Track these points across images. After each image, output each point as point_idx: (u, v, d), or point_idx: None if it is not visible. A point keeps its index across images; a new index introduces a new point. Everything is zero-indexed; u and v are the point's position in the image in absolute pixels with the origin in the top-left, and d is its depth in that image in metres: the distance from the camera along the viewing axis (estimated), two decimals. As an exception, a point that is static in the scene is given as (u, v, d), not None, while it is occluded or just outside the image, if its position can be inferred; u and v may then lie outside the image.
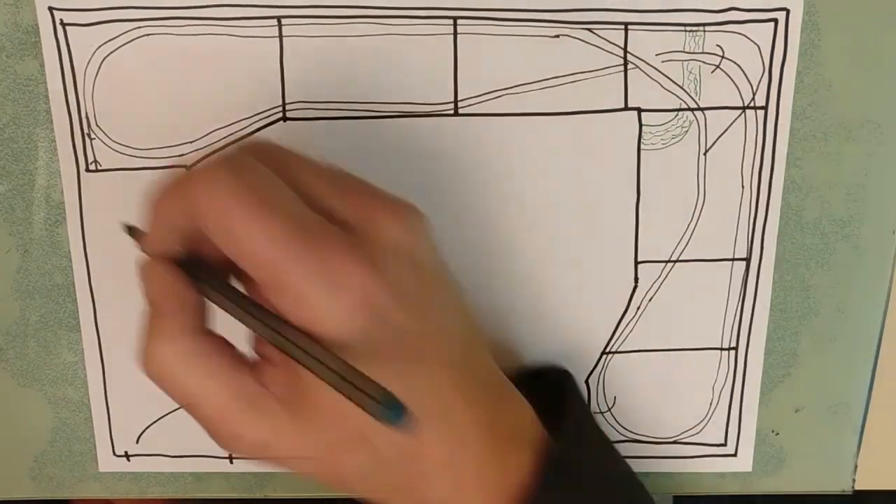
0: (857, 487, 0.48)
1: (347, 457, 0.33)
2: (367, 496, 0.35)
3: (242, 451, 0.34)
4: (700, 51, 0.41)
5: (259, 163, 0.32)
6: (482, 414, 0.35)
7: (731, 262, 0.45)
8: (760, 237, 0.44)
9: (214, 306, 0.34)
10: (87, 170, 0.43)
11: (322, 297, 0.31)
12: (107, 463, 0.48)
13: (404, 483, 0.34)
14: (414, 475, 0.34)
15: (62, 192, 0.43)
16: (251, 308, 0.32)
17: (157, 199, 0.33)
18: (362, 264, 0.31)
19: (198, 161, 0.35)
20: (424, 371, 0.33)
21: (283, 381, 0.33)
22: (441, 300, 0.35)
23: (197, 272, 0.33)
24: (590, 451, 0.39)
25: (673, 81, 0.42)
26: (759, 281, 0.45)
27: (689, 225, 0.44)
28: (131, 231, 0.36)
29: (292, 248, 0.30)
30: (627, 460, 0.47)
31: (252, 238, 0.30)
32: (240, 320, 0.32)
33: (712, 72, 0.42)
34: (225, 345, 0.34)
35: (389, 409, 0.28)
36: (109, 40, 0.41)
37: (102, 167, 0.43)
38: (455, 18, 0.41)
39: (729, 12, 0.41)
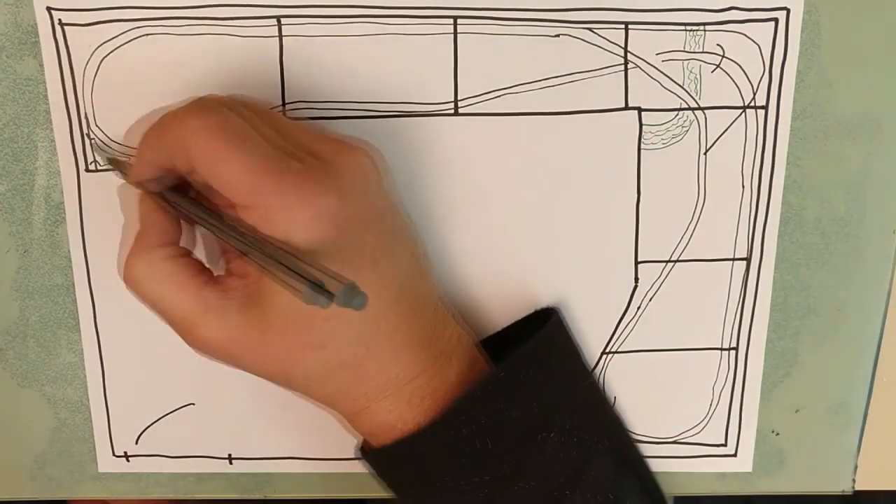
0: (857, 487, 0.48)
1: (300, 361, 0.37)
2: (313, 397, 0.40)
3: (208, 353, 0.38)
4: (700, 50, 0.41)
5: (236, 103, 0.38)
6: (420, 331, 0.39)
7: (731, 262, 0.45)
8: (760, 237, 0.44)
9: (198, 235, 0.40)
10: (87, 170, 0.43)
11: (288, 210, 0.35)
12: (106, 463, 0.48)
13: (347, 388, 0.39)
14: (355, 380, 0.38)
15: (62, 192, 0.43)
16: (223, 223, 0.37)
17: (145, 138, 0.38)
18: (325, 186, 0.36)
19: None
20: (377, 279, 0.37)
21: (246, 291, 0.38)
22: (395, 227, 0.39)
23: (179, 199, 0.39)
24: (526, 381, 0.41)
25: (673, 81, 0.42)
26: (759, 281, 0.45)
27: (689, 225, 0.44)
28: (113, 163, 0.42)
29: (264, 175, 0.35)
30: (627, 460, 0.47)
31: (232, 166, 0.35)
32: (213, 232, 0.38)
33: (713, 71, 0.42)
34: (194, 263, 0.39)
35: (346, 292, 0.32)
36: (108, 40, 0.41)
37: (102, 167, 0.43)
38: (455, 18, 0.41)
39: (729, 12, 0.41)
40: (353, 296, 0.32)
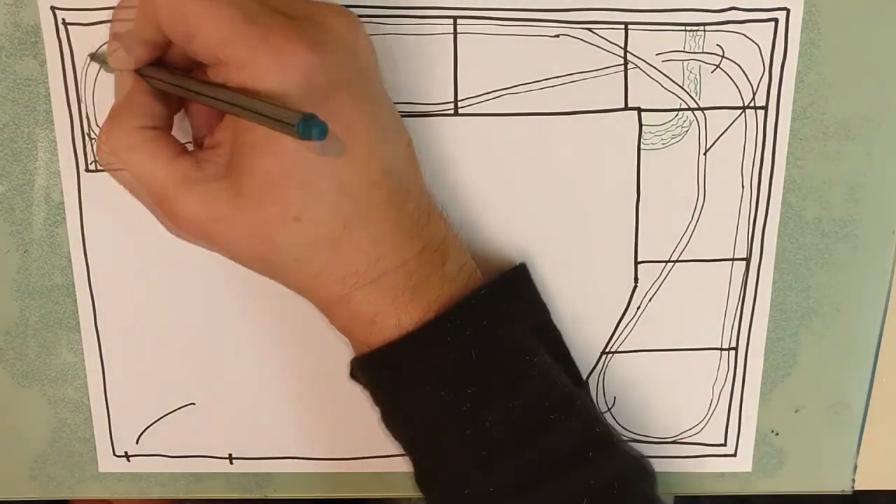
0: (856, 487, 0.48)
1: (275, 235, 0.36)
2: (291, 282, 0.38)
3: (187, 232, 0.37)
4: (700, 50, 0.41)
5: None
6: (403, 218, 0.37)
7: (731, 262, 0.45)
8: (760, 237, 0.44)
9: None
10: (87, 170, 0.43)
11: (262, 63, 0.34)
12: (107, 463, 0.48)
13: (323, 269, 0.37)
14: (332, 262, 0.37)
15: (62, 192, 0.43)
16: (198, 84, 0.36)
17: (116, 10, 0.37)
18: (302, 41, 0.34)
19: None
20: (353, 145, 0.36)
21: (219, 162, 0.36)
22: (375, 97, 0.37)
23: (154, 71, 0.38)
24: (513, 302, 0.40)
25: (673, 81, 0.42)
26: (759, 281, 0.45)
27: (689, 225, 0.44)
28: (94, 57, 0.41)
29: (238, 28, 0.34)
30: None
31: (201, 21, 0.34)
32: (188, 96, 0.37)
33: (712, 72, 0.42)
34: (168, 136, 0.38)
35: (307, 122, 0.31)
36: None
37: (103, 167, 0.43)
38: (455, 18, 0.41)
39: (729, 12, 0.41)
40: (312, 124, 0.31)
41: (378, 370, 0.40)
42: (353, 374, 0.42)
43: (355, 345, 0.40)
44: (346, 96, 0.35)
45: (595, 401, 0.46)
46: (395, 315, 0.38)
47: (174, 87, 0.37)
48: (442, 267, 0.38)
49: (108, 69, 0.41)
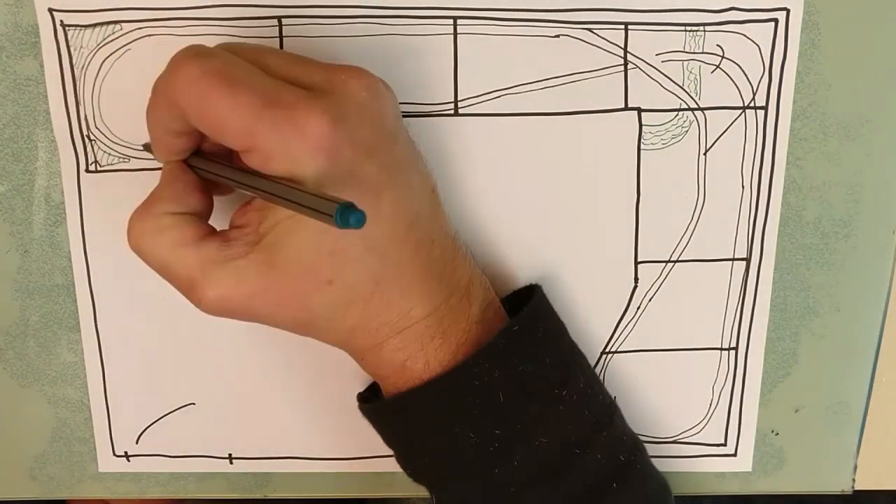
0: (857, 487, 0.48)
1: (309, 300, 0.37)
2: (327, 339, 0.39)
3: (220, 311, 0.37)
4: (700, 51, 0.41)
5: (221, 49, 0.36)
6: (431, 266, 0.38)
7: (731, 262, 0.45)
8: (760, 237, 0.44)
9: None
10: (87, 170, 0.43)
11: (284, 143, 0.34)
12: (107, 463, 0.48)
13: (357, 325, 0.38)
14: (365, 317, 0.38)
15: (62, 193, 0.43)
16: (235, 173, 0.37)
17: (147, 110, 0.37)
18: (321, 113, 0.34)
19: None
20: (382, 210, 0.36)
21: (247, 240, 0.37)
22: (400, 157, 0.37)
23: (198, 162, 0.38)
24: (539, 336, 0.41)
25: (673, 81, 0.42)
26: (759, 281, 0.45)
27: (689, 225, 0.44)
28: (146, 148, 0.41)
29: (258, 111, 0.34)
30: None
31: (222, 112, 0.34)
32: (229, 184, 0.37)
33: (712, 72, 0.42)
34: (196, 221, 0.38)
35: (344, 212, 0.31)
36: (110, 41, 0.41)
37: (102, 168, 0.43)
38: (455, 18, 0.41)
39: (729, 12, 0.41)
40: (349, 213, 0.31)
41: (404, 413, 0.40)
42: (366, 413, 0.43)
43: (386, 388, 0.41)
44: (372, 164, 0.36)
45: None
46: (424, 359, 0.39)
47: (214, 175, 0.38)
48: (469, 308, 0.39)
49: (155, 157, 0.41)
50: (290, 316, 0.37)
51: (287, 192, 0.34)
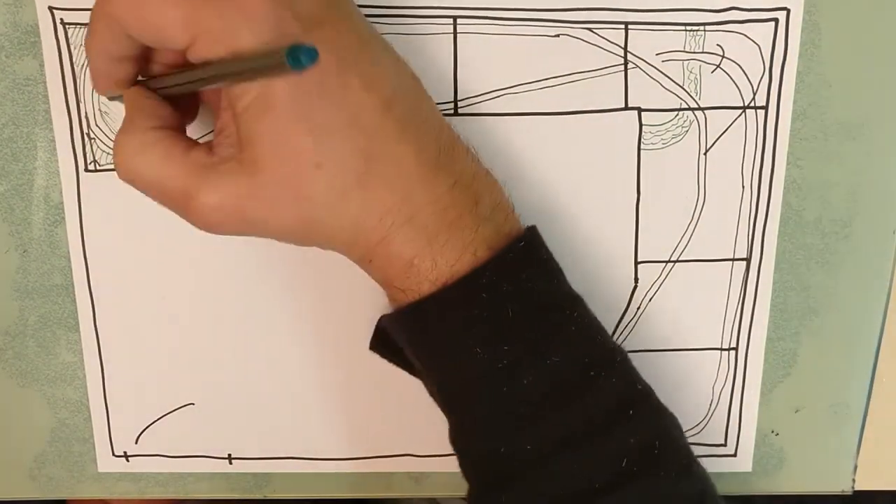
0: (857, 487, 0.48)
1: (308, 188, 0.35)
2: (336, 236, 0.37)
3: (218, 223, 0.36)
4: (700, 50, 0.41)
5: None
6: (427, 149, 0.37)
7: (731, 262, 0.45)
8: (760, 237, 0.44)
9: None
10: (87, 170, 0.43)
11: (224, 21, 0.33)
12: (106, 463, 0.48)
13: (359, 216, 0.36)
14: (365, 206, 0.36)
15: (61, 192, 0.43)
16: (187, 74, 0.36)
17: (87, 41, 0.36)
18: None
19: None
20: (350, 77, 0.35)
21: (229, 142, 0.36)
22: (360, 33, 0.36)
23: (153, 84, 0.38)
24: (546, 259, 0.39)
25: (673, 81, 0.42)
26: (759, 281, 0.45)
27: (689, 225, 0.44)
28: (112, 98, 0.41)
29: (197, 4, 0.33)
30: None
31: (163, 10, 0.34)
32: (184, 89, 0.37)
33: (712, 71, 0.42)
34: (178, 134, 0.37)
35: (294, 52, 0.29)
36: (109, 40, 0.41)
37: (102, 167, 0.43)
38: (455, 18, 0.41)
39: (729, 12, 0.41)
40: (299, 51, 0.29)
41: (411, 326, 0.39)
42: (379, 338, 0.41)
43: (392, 293, 0.39)
44: (326, 29, 0.35)
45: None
46: (432, 257, 0.37)
47: (171, 87, 0.37)
48: (476, 205, 0.38)
49: (115, 98, 0.40)
50: (289, 215, 0.36)
51: (238, 64, 0.33)
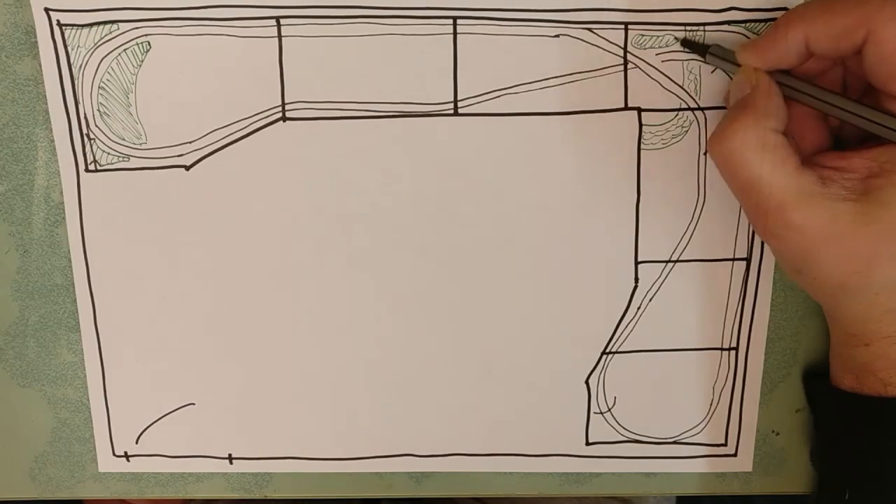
0: (857, 487, 0.48)
1: (879, 271, 0.36)
2: (850, 308, 0.38)
3: (786, 241, 0.37)
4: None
5: None
6: None
7: (731, 262, 0.45)
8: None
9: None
10: (87, 170, 0.43)
11: None
12: (106, 463, 0.48)
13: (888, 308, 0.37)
14: None
15: (62, 193, 0.43)
16: (822, 91, 0.37)
17: (794, 15, 0.37)
18: None
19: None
20: None
21: (846, 185, 0.36)
22: None
23: (792, 81, 0.38)
24: None
25: (673, 81, 0.42)
26: (760, 281, 0.45)
27: (689, 225, 0.44)
28: (715, 50, 0.40)
29: None
30: (627, 460, 0.47)
31: (878, 28, 0.33)
32: (831, 111, 0.37)
33: (712, 72, 0.42)
34: (792, 148, 0.37)
35: None
36: (107, 41, 0.41)
37: (102, 167, 0.43)
38: (455, 18, 0.41)
39: (729, 12, 0.41)
40: None
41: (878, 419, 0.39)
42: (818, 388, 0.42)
43: (862, 376, 0.40)
44: None
45: (595, 401, 0.46)
46: None
47: (810, 98, 0.37)
48: None
49: (727, 66, 0.40)
50: (851, 274, 0.37)
51: None
